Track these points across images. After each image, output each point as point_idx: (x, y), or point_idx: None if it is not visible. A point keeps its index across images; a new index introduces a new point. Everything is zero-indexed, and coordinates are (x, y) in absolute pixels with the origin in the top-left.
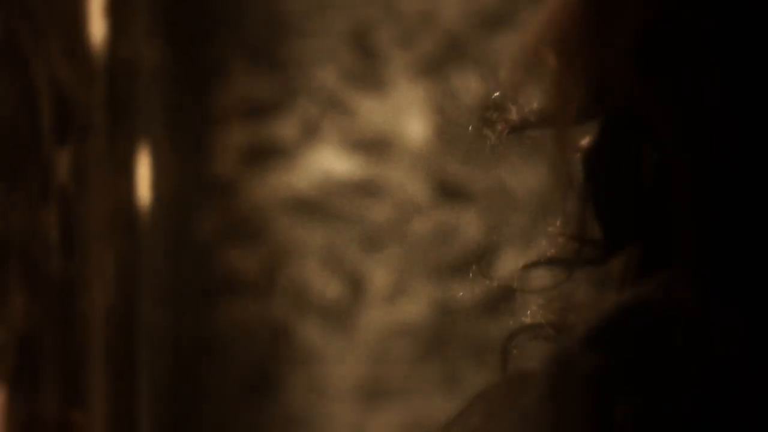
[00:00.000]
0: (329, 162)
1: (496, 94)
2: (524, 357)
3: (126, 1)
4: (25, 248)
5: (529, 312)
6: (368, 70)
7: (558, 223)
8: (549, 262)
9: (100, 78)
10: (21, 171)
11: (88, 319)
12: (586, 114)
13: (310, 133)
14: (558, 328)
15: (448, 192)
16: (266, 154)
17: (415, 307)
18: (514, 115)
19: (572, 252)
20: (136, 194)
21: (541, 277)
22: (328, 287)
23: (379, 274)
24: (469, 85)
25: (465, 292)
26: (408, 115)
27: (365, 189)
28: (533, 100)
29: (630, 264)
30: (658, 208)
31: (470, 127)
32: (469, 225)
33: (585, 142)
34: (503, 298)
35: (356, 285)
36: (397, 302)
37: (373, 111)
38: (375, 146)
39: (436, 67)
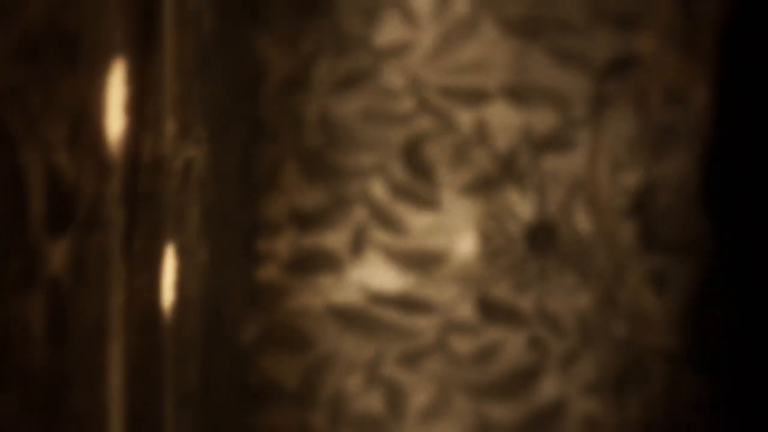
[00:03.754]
0: (375, 274)
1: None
2: None
3: (155, 99)
4: (2, 336)
5: None
6: (419, 185)
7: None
8: None
9: (116, 172)
10: (1, 256)
11: (87, 415)
12: None
13: (358, 245)
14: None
15: (493, 311)
16: (312, 264)
17: (454, 425)
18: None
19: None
20: (158, 292)
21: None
22: (367, 400)
23: (420, 390)
24: (520, 206)
25: (505, 412)
26: (456, 233)
27: (410, 303)
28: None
29: None
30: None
31: (519, 249)
32: (512, 346)
33: None
34: (544, 419)
35: (395, 399)
36: (435, 419)
37: (421, 226)
38: (422, 261)
39: (487, 185)
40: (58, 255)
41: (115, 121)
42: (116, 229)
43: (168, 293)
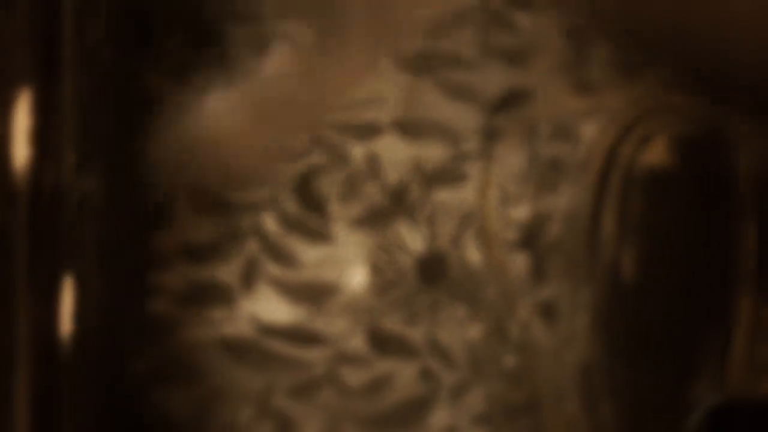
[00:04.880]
0: (266, 307)
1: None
2: None
3: (55, 130)
4: None
5: None
6: (311, 218)
7: None
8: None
9: (21, 203)
10: None
11: None
12: None
13: (249, 278)
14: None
15: (384, 343)
16: (204, 296)
17: None
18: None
19: None
20: (57, 323)
21: None
22: (258, 431)
23: (311, 421)
24: (411, 239)
25: None
26: (348, 265)
27: (301, 335)
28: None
29: None
30: None
31: (410, 281)
32: (404, 377)
33: None
34: None
35: (287, 431)
36: None
37: (313, 259)
38: (313, 294)
39: (379, 218)
40: None
41: (20, 151)
42: (22, 258)
43: (66, 324)
